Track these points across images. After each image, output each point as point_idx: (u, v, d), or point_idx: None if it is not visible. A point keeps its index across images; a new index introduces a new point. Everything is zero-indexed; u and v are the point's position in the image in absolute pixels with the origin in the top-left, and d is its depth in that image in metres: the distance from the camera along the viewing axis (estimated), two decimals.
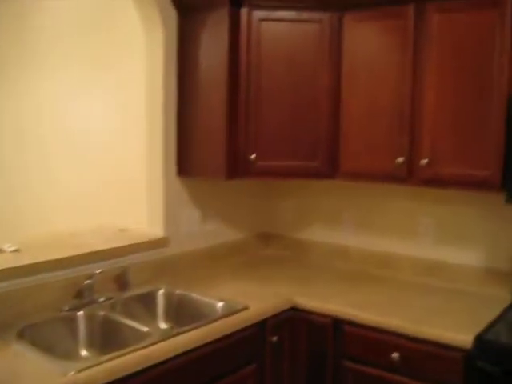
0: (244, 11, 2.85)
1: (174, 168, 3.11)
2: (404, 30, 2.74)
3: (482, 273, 3.00)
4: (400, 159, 2.79)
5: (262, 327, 2.65)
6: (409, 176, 2.81)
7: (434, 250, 3.16)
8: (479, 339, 2.31)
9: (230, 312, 2.56)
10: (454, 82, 2.65)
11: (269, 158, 2.96)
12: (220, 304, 2.67)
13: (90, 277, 2.61)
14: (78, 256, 2.66)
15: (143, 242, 2.98)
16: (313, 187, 3.59)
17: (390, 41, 2.80)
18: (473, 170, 2.63)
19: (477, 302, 2.80)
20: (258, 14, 2.85)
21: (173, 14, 3.02)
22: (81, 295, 2.62)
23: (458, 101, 2.65)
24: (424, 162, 2.73)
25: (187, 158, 3.07)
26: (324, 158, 3.00)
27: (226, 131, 2.88)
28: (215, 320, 2.47)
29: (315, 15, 2.89)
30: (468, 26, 2.59)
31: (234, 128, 2.91)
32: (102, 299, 2.64)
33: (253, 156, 2.92)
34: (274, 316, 2.70)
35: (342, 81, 2.96)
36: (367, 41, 2.87)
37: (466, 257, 3.06)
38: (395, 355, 2.51)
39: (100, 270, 2.65)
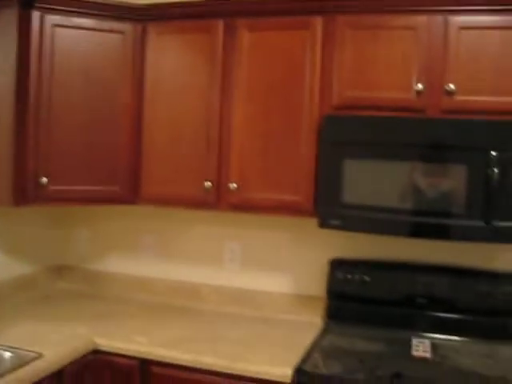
0: (36, 14, 2.50)
1: None
2: (212, 47, 2.61)
3: (292, 299, 2.94)
4: (208, 183, 2.64)
5: (59, 377, 2.29)
6: (217, 201, 2.67)
7: (241, 277, 3.05)
8: (299, 372, 2.21)
9: (19, 364, 2.16)
10: (263, 104, 2.57)
11: (63, 181, 2.63)
12: (7, 354, 2.26)
13: None
14: None
15: None
16: (109, 213, 3.29)
17: (198, 57, 2.65)
18: (283, 194, 2.56)
19: (290, 330, 2.73)
20: (52, 18, 2.53)
21: None
22: None
23: (267, 123, 2.57)
24: (233, 186, 2.61)
25: None
26: (124, 182, 2.76)
27: (14, 151, 2.49)
28: (1, 376, 2.06)
29: (117, 25, 2.64)
30: (279, 45, 2.54)
31: (23, 148, 2.53)
32: None
33: (44, 179, 2.57)
34: (73, 362, 2.36)
35: (145, 99, 2.75)
36: (173, 56, 2.69)
37: (275, 284, 2.99)
38: None
39: None
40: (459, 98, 2.33)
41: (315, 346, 2.48)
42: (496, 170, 2.21)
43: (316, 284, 2.91)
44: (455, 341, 2.59)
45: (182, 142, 2.70)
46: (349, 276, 2.76)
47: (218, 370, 2.31)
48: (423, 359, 2.37)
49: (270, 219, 2.97)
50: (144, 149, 2.76)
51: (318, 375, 2.21)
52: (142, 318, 2.84)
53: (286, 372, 2.22)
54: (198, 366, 2.34)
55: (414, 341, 2.57)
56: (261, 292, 3.00)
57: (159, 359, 2.41)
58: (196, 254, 3.13)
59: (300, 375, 2.21)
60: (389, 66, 2.41)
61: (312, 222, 2.56)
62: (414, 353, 2.43)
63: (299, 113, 2.52)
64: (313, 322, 2.83)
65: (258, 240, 3.01)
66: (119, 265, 3.29)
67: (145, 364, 2.43)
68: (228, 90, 2.62)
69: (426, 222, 2.33)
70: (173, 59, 2.69)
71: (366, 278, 2.74)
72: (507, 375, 2.25)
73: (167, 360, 2.39)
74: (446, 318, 2.64)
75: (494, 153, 2.22)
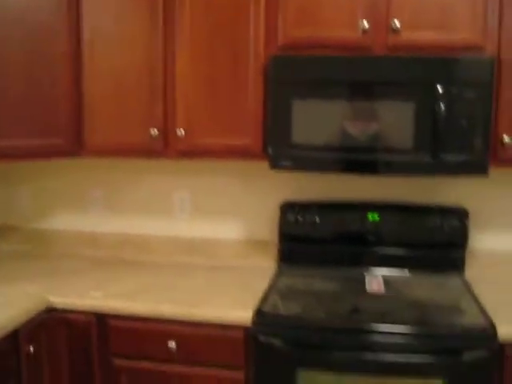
0: None
1: None
2: None
3: (244, 245, 2.95)
4: (154, 131, 2.57)
5: (14, 338, 2.22)
6: (165, 148, 2.61)
7: (192, 226, 3.03)
8: (260, 313, 2.23)
9: None
10: (208, 47, 2.50)
11: (2, 137, 2.51)
12: None
13: None
14: None
15: None
16: (52, 168, 3.18)
17: (138, 1, 2.54)
18: (232, 139, 2.53)
19: (245, 275, 2.75)
20: None
21: None
22: None
23: (212, 66, 2.51)
24: (180, 132, 2.55)
25: None
26: (67, 133, 2.64)
27: None
28: None
29: None
30: None
31: None
32: None
33: None
34: (27, 323, 2.29)
35: (84, 47, 2.62)
36: (112, 2, 2.56)
37: (226, 230, 2.99)
38: (172, 344, 2.31)
39: None
40: (405, 34, 2.33)
41: (272, 289, 2.50)
42: (442, 105, 2.24)
43: (268, 228, 2.93)
44: (407, 275, 2.67)
45: (125, 90, 2.60)
46: (300, 218, 2.77)
47: (177, 318, 2.30)
48: (378, 294, 2.43)
49: (218, 166, 2.94)
50: (86, 98, 2.64)
51: (279, 315, 2.24)
52: (94, 273, 2.79)
53: (247, 314, 2.24)
54: (157, 316, 2.32)
55: (367, 277, 2.63)
56: (213, 240, 2.99)
57: (116, 312, 2.37)
58: (145, 205, 3.08)
59: (260, 316, 2.22)
60: (334, 5, 2.37)
61: (261, 167, 2.56)
62: (368, 289, 2.49)
63: (245, 54, 2.47)
64: (267, 266, 2.86)
65: (207, 187, 2.98)
66: (66, 221, 3.20)
67: (101, 318, 2.40)
68: (171, 35, 2.53)
69: (375, 159, 2.35)
70: (112, 5, 2.57)
71: (317, 219, 2.76)
72: (459, 304, 2.34)
73: (124, 312, 2.36)
74: (397, 253, 2.70)
75: (440, 88, 2.25)
